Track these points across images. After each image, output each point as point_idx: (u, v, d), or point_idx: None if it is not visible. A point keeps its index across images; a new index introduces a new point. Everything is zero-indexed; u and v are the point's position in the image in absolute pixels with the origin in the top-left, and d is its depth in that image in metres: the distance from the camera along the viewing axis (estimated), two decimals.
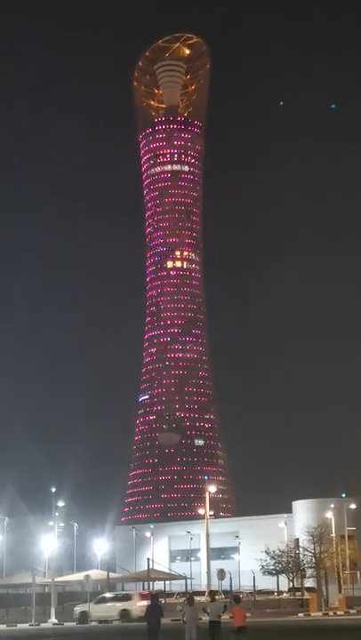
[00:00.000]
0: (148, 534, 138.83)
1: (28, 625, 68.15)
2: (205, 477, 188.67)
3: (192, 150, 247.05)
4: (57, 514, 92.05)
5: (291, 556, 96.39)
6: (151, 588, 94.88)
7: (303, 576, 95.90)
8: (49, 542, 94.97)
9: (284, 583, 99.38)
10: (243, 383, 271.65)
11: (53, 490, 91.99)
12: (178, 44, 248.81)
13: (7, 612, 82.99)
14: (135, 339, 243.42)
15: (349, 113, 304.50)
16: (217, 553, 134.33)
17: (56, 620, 68.89)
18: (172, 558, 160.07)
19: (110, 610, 64.66)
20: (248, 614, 34.35)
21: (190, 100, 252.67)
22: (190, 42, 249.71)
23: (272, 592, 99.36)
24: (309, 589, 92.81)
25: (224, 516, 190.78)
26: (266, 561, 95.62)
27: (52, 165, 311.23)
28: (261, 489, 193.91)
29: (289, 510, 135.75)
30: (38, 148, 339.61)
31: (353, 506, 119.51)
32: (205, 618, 35.86)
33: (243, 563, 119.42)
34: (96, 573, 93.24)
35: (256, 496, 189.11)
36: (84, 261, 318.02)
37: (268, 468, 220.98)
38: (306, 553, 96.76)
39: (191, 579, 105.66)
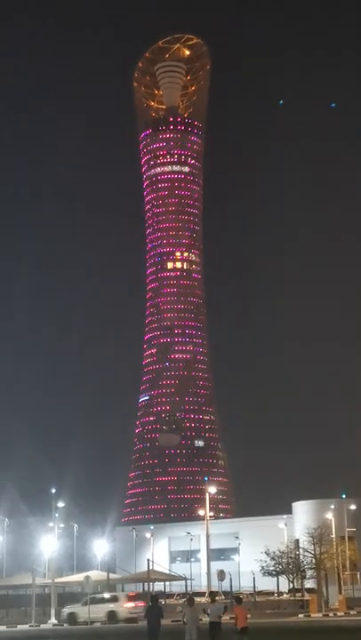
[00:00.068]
0: (148, 535, 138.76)
1: (28, 626, 68.09)
2: (205, 478, 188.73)
3: (192, 151, 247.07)
4: (57, 515, 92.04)
5: (291, 557, 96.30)
6: (151, 589, 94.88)
7: (303, 577, 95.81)
8: (49, 543, 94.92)
9: (284, 584, 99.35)
10: (243, 383, 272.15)
11: (53, 491, 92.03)
12: (178, 44, 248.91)
13: (7, 612, 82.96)
14: (135, 339, 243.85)
15: (349, 113, 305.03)
16: (217, 554, 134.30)
17: (56, 621, 68.87)
18: (173, 559, 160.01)
19: (98, 611, 64.79)
20: (248, 615, 34.29)
21: (190, 100, 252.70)
22: (190, 43, 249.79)
23: (272, 593, 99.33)
24: (310, 590, 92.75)
25: (224, 517, 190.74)
26: (266, 562, 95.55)
27: (52, 165, 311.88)
28: (261, 490, 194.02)
29: (289, 511, 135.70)
30: (38, 148, 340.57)
31: (353, 507, 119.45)
32: (206, 619, 35.84)
33: (243, 564, 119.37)
34: (96, 574, 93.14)
35: (256, 497, 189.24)
36: (84, 261, 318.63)
37: (268, 469, 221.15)
38: (306, 554, 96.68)
39: (191, 580, 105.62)
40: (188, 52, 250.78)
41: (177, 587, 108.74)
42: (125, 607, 64.76)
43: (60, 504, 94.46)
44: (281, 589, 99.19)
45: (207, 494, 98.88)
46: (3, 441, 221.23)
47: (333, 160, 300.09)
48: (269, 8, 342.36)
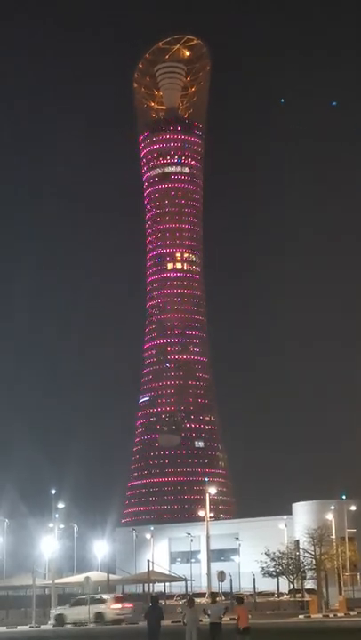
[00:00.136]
0: (148, 536, 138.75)
1: (28, 627, 68.13)
2: (205, 479, 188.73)
3: (192, 152, 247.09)
4: (57, 515, 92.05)
5: (291, 558, 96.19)
6: (151, 590, 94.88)
7: (303, 578, 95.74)
8: (49, 544, 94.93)
9: (284, 585, 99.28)
10: (243, 384, 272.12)
11: (53, 492, 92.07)
12: (178, 45, 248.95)
13: (7, 613, 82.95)
14: (135, 339, 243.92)
15: (350, 112, 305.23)
16: (217, 555, 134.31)
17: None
18: (173, 560, 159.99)
19: (85, 613, 64.97)
20: (249, 616, 34.31)
21: (190, 101, 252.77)
22: (190, 43, 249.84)
23: (272, 594, 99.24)
24: (310, 591, 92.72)
25: (224, 518, 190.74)
26: (266, 563, 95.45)
27: (52, 165, 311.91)
28: (261, 490, 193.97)
29: (289, 512, 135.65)
30: (38, 148, 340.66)
31: (353, 507, 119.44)
32: (206, 619, 35.83)
33: (243, 564, 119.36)
34: (96, 575, 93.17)
35: (256, 498, 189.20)
36: (84, 261, 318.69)
37: (268, 469, 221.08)
38: (306, 555, 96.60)
39: (191, 580, 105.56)
40: (188, 53, 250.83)
41: (177, 588, 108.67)
42: (112, 609, 64.96)
43: (60, 505, 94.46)
44: (281, 590, 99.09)
45: (207, 495, 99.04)
46: (3, 441, 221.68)
47: (333, 160, 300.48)
48: (269, 8, 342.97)
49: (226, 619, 35.07)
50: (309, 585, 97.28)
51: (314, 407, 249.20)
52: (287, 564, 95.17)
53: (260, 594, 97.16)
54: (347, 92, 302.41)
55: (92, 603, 66.21)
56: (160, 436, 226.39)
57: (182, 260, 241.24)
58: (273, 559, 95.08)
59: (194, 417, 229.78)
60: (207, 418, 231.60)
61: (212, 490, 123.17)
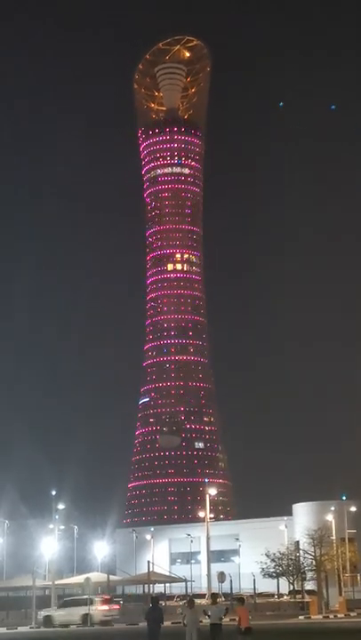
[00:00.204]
0: (148, 537, 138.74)
1: (28, 628, 68.07)
2: (205, 480, 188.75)
3: (192, 153, 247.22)
4: (57, 516, 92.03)
5: (291, 559, 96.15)
6: (151, 591, 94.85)
7: (304, 579, 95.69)
8: (49, 545, 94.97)
9: (284, 586, 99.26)
10: (243, 383, 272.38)
11: (54, 493, 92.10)
12: (178, 46, 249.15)
13: (7, 614, 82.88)
14: (135, 339, 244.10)
15: (349, 113, 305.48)
16: (217, 555, 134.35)
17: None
18: (173, 561, 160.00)
19: (73, 614, 65.01)
20: (249, 617, 34.32)
21: (190, 102, 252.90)
22: (190, 44, 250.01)
23: (272, 595, 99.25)
24: (310, 592, 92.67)
25: (224, 519, 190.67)
26: (266, 563, 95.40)
27: (52, 165, 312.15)
28: (261, 491, 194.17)
29: (289, 513, 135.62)
30: (38, 148, 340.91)
31: (353, 508, 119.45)
32: (206, 620, 35.83)
33: (243, 565, 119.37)
34: (96, 576, 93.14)
35: (256, 499, 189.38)
36: (84, 261, 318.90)
37: (268, 470, 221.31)
38: (306, 555, 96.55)
39: (191, 581, 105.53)
40: (188, 54, 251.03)
41: (177, 588, 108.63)
42: (99, 610, 64.94)
43: (61, 506, 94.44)
44: (281, 591, 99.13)
45: (207, 496, 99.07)
46: (3, 441, 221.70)
47: (333, 160, 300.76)
48: (269, 8, 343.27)
49: (226, 620, 35.04)
50: (309, 586, 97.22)
51: (314, 407, 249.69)
52: (287, 565, 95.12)
53: (261, 595, 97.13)
54: (347, 93, 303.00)
55: (79, 604, 66.35)
56: (160, 436, 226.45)
57: (182, 261, 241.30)
58: (273, 560, 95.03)
59: (194, 418, 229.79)
60: (207, 419, 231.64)
61: (213, 491, 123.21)
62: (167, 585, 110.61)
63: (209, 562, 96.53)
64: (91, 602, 65.83)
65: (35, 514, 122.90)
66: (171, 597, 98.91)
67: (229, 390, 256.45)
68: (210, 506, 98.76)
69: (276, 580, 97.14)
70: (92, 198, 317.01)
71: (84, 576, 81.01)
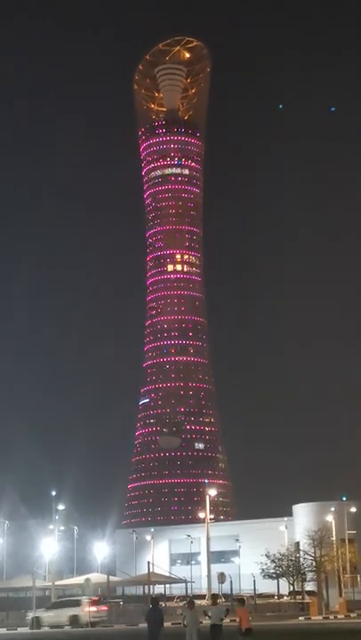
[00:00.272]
0: (148, 538, 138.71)
1: (28, 629, 68.02)
2: (205, 481, 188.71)
3: (192, 153, 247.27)
4: (57, 517, 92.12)
5: (291, 560, 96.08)
6: (151, 592, 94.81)
7: (304, 580, 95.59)
8: (49, 546, 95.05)
9: (284, 587, 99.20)
10: (243, 383, 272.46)
11: (53, 493, 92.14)
12: (178, 47, 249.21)
13: (7, 615, 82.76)
14: (135, 339, 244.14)
15: (349, 113, 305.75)
16: (217, 556, 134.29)
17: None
18: (173, 562, 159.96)
19: (61, 615, 65.07)
20: (249, 617, 34.31)
21: (191, 103, 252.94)
22: (191, 45, 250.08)
23: (273, 595, 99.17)
24: (310, 593, 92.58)
25: (224, 520, 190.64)
26: (266, 564, 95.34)
27: (52, 165, 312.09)
28: (262, 492, 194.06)
29: (289, 514, 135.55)
30: (38, 148, 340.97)
31: (353, 509, 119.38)
32: (206, 621, 35.80)
33: (243, 566, 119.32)
34: (96, 577, 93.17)
35: (256, 499, 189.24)
36: (84, 261, 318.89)
37: (268, 470, 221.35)
38: (306, 556, 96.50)
39: (192, 582, 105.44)
40: (188, 55, 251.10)
41: (177, 589, 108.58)
42: (87, 611, 65.02)
43: (61, 507, 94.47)
44: (281, 592, 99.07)
45: (207, 497, 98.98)
46: (3, 441, 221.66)
47: (333, 160, 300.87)
48: (269, 8, 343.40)
49: (227, 621, 35.00)
50: (310, 587, 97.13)
51: (314, 407, 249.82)
52: (287, 566, 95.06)
53: (261, 595, 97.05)
54: (347, 93, 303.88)
55: (67, 605, 66.51)
56: (160, 437, 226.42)
57: (182, 262, 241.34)
58: (273, 561, 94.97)
59: (194, 419, 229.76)
60: (207, 419, 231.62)
61: (213, 491, 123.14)
62: (167, 586, 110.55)
63: (209, 563, 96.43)
64: (79, 603, 66.04)
65: (35, 514, 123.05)
66: (171, 598, 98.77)
67: (229, 390, 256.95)
68: (210, 506, 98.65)
69: (276, 580, 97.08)
70: (92, 198, 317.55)
71: (84, 577, 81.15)
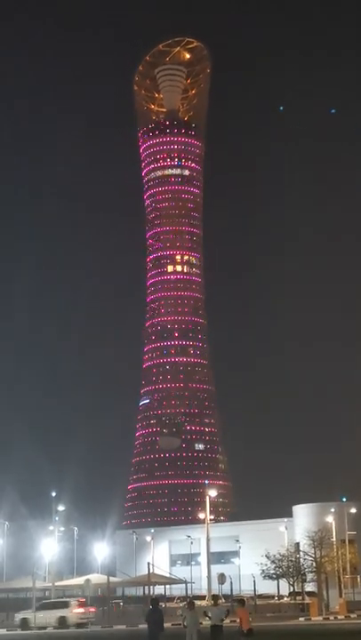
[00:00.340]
0: (148, 538, 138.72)
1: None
2: (205, 481, 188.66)
3: (192, 154, 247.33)
4: (57, 518, 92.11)
5: (291, 561, 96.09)
6: (152, 593, 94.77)
7: (304, 580, 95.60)
8: (49, 546, 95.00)
9: (284, 587, 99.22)
10: (243, 383, 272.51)
11: (54, 494, 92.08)
12: (178, 48, 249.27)
13: (7, 616, 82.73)
14: (135, 339, 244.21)
15: (349, 113, 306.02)
16: (217, 557, 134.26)
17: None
18: (173, 562, 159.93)
19: (49, 617, 65.27)
20: (250, 618, 34.30)
21: (191, 104, 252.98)
22: (191, 46, 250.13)
23: (273, 596, 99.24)
24: (310, 594, 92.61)
25: (224, 521, 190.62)
26: (266, 565, 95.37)
27: (52, 165, 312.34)
28: (262, 493, 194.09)
29: (289, 514, 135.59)
30: (38, 148, 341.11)
31: (353, 510, 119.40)
32: (206, 622, 35.78)
33: (243, 567, 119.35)
34: (96, 578, 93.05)
35: (256, 500, 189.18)
36: (84, 261, 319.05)
37: (268, 470, 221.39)
38: (306, 557, 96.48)
39: (192, 583, 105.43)
40: (188, 56, 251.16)
41: (177, 590, 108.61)
42: (75, 613, 65.17)
43: (61, 507, 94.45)
44: (281, 593, 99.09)
45: (207, 497, 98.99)
46: (3, 441, 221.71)
47: (333, 160, 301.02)
48: (269, 8, 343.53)
49: (227, 621, 34.98)
50: (310, 587, 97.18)
51: (314, 407, 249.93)
52: (287, 567, 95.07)
53: (261, 596, 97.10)
54: (347, 93, 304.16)
55: (55, 607, 66.65)
56: (160, 438, 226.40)
57: (182, 263, 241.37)
58: (273, 562, 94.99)
59: (194, 419, 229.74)
60: (207, 420, 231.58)
61: (213, 492, 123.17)
62: (167, 586, 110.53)
63: (209, 563, 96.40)
64: (67, 605, 66.11)
65: (35, 515, 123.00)
66: (171, 599, 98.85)
67: (229, 391, 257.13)
68: (210, 507, 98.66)
69: (276, 581, 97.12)
70: (92, 198, 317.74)
71: (84, 577, 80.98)
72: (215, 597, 38.65)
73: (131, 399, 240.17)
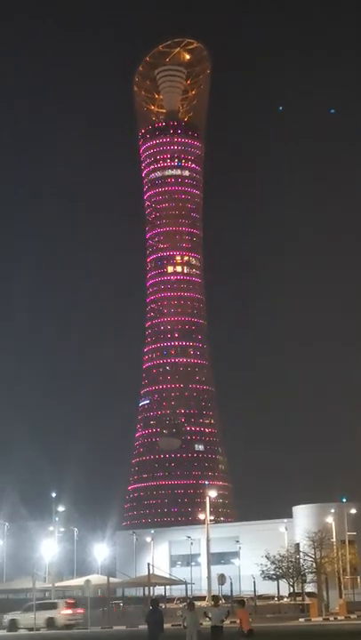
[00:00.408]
0: (148, 539, 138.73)
1: (28, 630, 68.00)
2: (205, 482, 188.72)
3: (192, 155, 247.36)
4: (57, 519, 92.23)
5: (291, 561, 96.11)
6: (152, 593, 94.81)
7: (304, 581, 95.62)
8: (49, 547, 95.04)
9: (284, 588, 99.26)
10: (243, 383, 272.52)
11: (54, 495, 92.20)
12: (178, 48, 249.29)
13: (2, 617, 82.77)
14: (135, 339, 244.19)
15: (349, 113, 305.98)
16: (217, 558, 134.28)
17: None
18: (173, 563, 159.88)
19: (37, 618, 65.22)
20: (250, 619, 34.34)
21: (191, 104, 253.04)
22: (191, 47, 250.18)
23: (273, 597, 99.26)
24: (310, 594, 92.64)
25: (224, 521, 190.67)
26: (266, 566, 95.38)
27: (52, 165, 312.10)
28: (262, 493, 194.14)
29: (289, 515, 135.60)
30: (38, 148, 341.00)
31: (353, 511, 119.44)
32: (206, 622, 35.79)
33: (243, 568, 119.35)
34: (96, 578, 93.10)
35: (256, 501, 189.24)
36: (84, 261, 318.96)
37: (268, 470, 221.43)
38: (306, 558, 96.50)
39: (192, 584, 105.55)
40: (188, 57, 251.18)
41: (177, 591, 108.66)
42: (63, 614, 65.20)
43: (61, 508, 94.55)
44: (281, 593, 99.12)
45: (207, 498, 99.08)
46: (3, 441, 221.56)
47: (333, 160, 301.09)
48: (269, 8, 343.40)
49: (227, 622, 34.99)
50: (310, 588, 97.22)
51: (314, 407, 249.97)
52: (287, 568, 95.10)
53: (261, 597, 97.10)
54: (347, 93, 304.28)
55: (43, 608, 66.59)
56: (160, 439, 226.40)
57: (182, 263, 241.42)
58: (273, 562, 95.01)
59: (194, 420, 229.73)
60: (207, 421, 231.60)
61: (213, 493, 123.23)
62: (167, 587, 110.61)
63: (209, 564, 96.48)
64: (56, 606, 66.15)
65: (35, 516, 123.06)
66: (171, 600, 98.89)
67: (229, 391, 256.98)
68: (210, 508, 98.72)
69: (276, 582, 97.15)
70: (92, 198, 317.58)
71: (84, 578, 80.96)
72: (215, 598, 38.65)
73: (131, 399, 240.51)
